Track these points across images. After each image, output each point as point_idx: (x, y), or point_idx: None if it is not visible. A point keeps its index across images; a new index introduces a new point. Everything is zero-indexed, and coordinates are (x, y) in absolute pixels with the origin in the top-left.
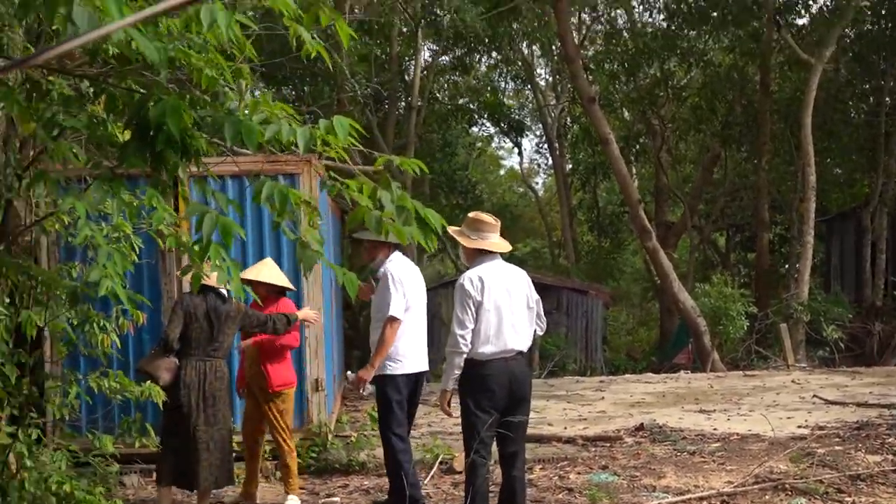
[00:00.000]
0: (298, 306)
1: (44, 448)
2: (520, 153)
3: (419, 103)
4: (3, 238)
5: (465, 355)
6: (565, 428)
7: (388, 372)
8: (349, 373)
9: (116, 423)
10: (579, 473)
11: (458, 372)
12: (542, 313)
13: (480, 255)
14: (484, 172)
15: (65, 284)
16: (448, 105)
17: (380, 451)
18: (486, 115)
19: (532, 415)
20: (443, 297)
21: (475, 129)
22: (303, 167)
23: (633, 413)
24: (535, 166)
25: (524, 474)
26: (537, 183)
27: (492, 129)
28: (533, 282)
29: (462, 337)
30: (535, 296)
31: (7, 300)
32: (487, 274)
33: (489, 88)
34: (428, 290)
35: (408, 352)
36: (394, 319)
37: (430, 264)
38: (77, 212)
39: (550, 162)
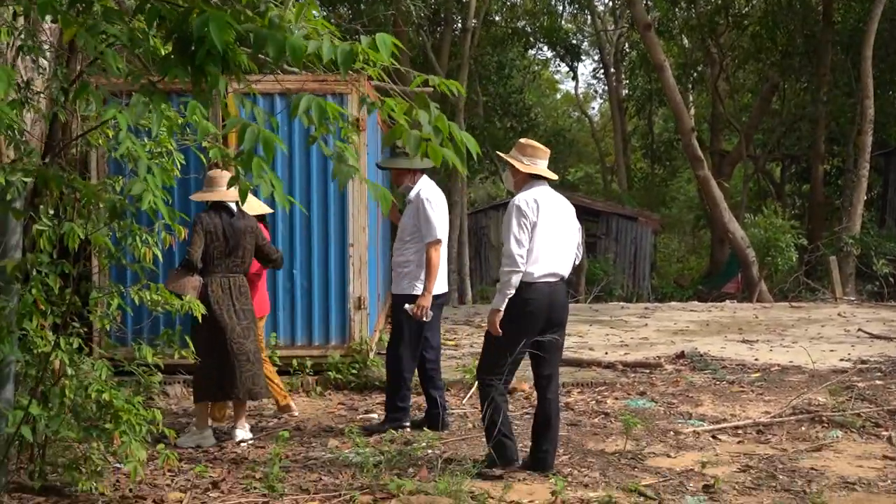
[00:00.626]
0: (345, 227)
1: (85, 357)
2: (575, 78)
3: (474, 24)
4: (49, 151)
5: (521, 274)
6: (606, 353)
7: (416, 292)
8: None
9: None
10: (616, 399)
11: (512, 291)
12: (582, 243)
13: (531, 180)
14: (539, 96)
15: (106, 198)
16: (504, 27)
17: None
18: (542, 39)
19: (574, 339)
20: (493, 219)
21: (531, 52)
22: (351, 87)
23: (675, 341)
24: (592, 92)
25: (558, 397)
26: (592, 108)
27: (548, 54)
28: (584, 207)
29: (521, 256)
30: (578, 225)
31: (51, 212)
32: (541, 198)
33: (546, 12)
34: (477, 211)
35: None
36: (438, 241)
37: (482, 186)
38: (119, 125)
39: (606, 88)
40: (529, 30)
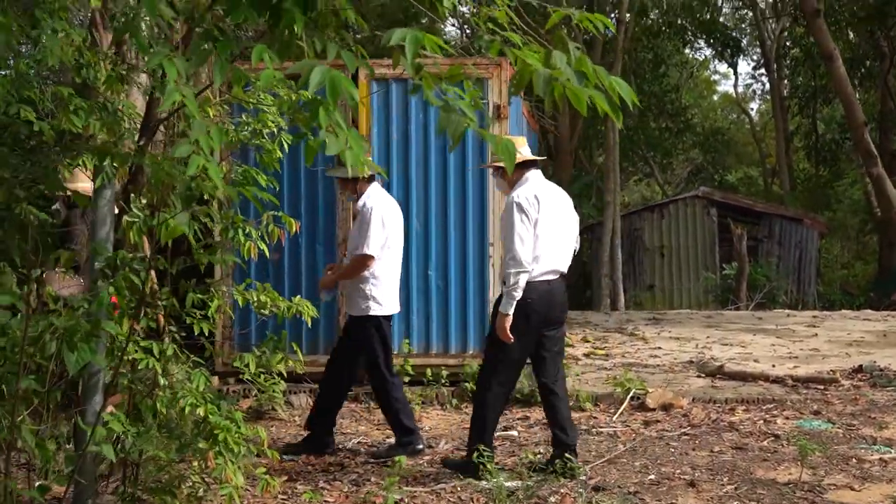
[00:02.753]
0: (484, 224)
1: (181, 365)
2: (735, 73)
3: (627, 18)
4: (144, 132)
5: (528, 275)
6: (773, 366)
7: (374, 313)
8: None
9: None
10: (787, 418)
11: (520, 293)
12: (577, 234)
13: (523, 173)
14: (696, 97)
15: (178, 177)
16: (659, 21)
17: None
18: (700, 35)
19: (736, 349)
20: (647, 221)
21: (688, 51)
22: (493, 71)
23: (849, 353)
24: (751, 92)
25: (566, 393)
26: (751, 109)
27: (706, 52)
28: (744, 208)
29: (526, 255)
30: (576, 215)
31: (143, 201)
32: (540, 191)
33: (705, 8)
34: (631, 213)
35: (388, 292)
36: (366, 258)
37: (636, 188)
38: (167, 74)
39: (766, 86)
40: (686, 25)
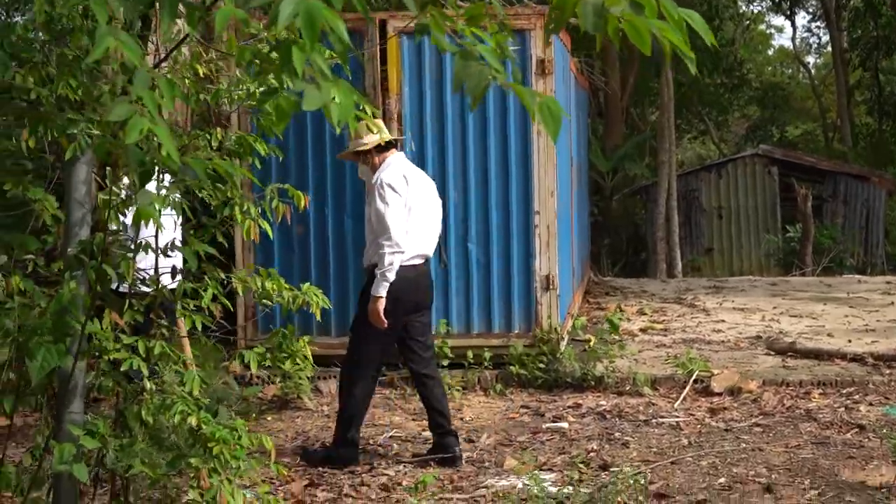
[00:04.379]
0: (529, 190)
1: (171, 365)
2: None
3: None
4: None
5: (403, 256)
6: (849, 341)
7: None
8: None
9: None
10: (871, 405)
11: (393, 276)
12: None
13: (385, 155)
14: (752, 52)
15: (130, 150)
16: None
17: (620, 363)
18: None
19: (808, 322)
20: (704, 181)
21: (742, 4)
22: (535, 21)
23: None
24: (808, 45)
25: (438, 373)
26: (808, 62)
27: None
28: (807, 166)
29: (402, 236)
30: (439, 199)
31: (125, 178)
32: (408, 173)
33: None
34: (687, 173)
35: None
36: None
37: (691, 146)
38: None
39: (823, 39)
40: None
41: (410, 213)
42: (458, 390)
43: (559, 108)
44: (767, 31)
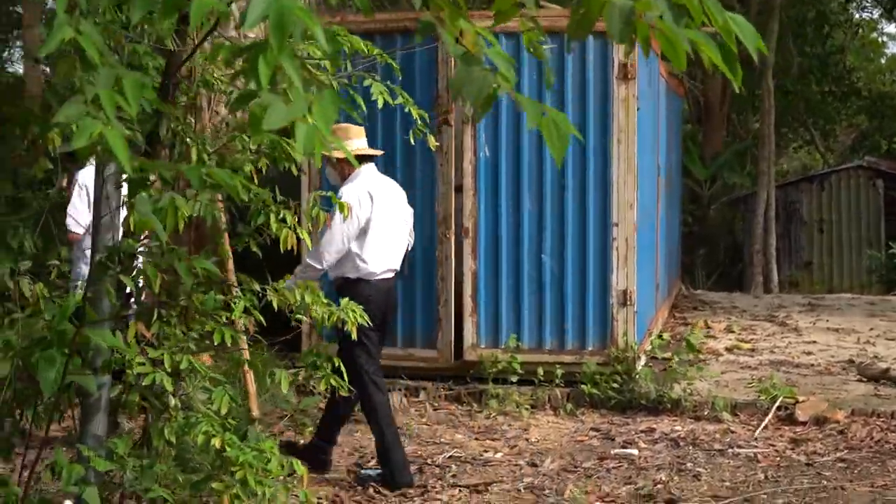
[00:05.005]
0: (607, 201)
1: (200, 380)
2: None
3: None
4: (163, 90)
5: (320, 273)
6: None
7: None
8: None
9: None
10: None
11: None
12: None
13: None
14: (863, 60)
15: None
16: None
17: (700, 386)
18: None
19: None
20: (805, 193)
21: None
22: None
23: None
24: None
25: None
26: None
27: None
28: None
29: (329, 254)
30: (410, 209)
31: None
32: (373, 187)
33: None
34: (787, 184)
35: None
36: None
37: (796, 156)
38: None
39: None
40: None
41: (375, 229)
42: (526, 409)
43: (567, 127)
44: (880, 40)
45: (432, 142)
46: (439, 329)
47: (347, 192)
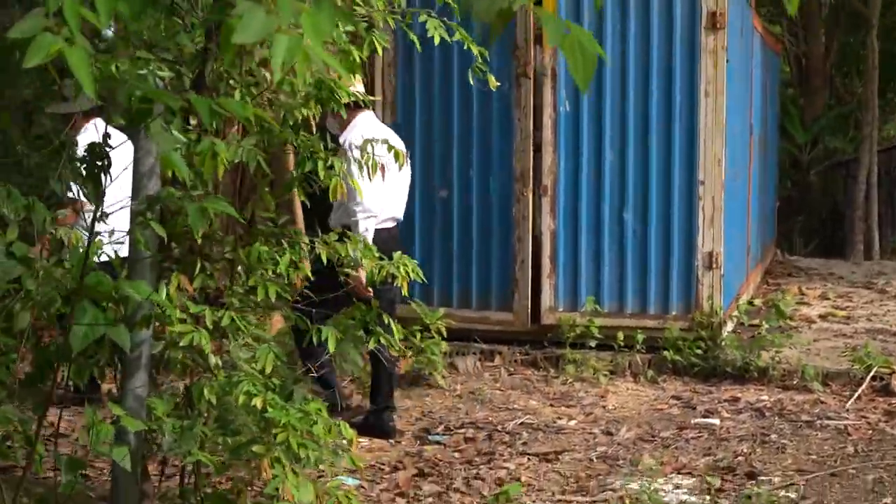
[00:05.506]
0: (693, 157)
1: (240, 339)
2: None
3: None
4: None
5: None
6: None
7: None
8: None
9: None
10: None
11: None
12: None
13: (354, 114)
14: None
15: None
16: None
17: (789, 353)
18: None
19: None
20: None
21: None
22: None
23: None
24: None
25: None
26: None
27: None
28: None
29: (373, 201)
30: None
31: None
32: (375, 135)
33: None
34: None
35: None
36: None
37: None
38: None
39: None
40: None
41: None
42: (604, 375)
43: (594, 46)
44: None
45: (493, 82)
46: (515, 291)
47: (351, 138)
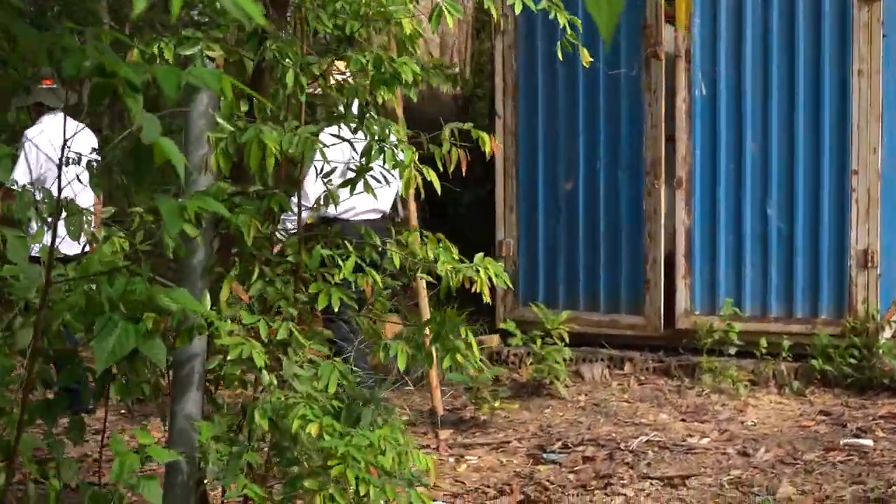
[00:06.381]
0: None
1: (300, 354)
2: None
3: None
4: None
5: None
6: None
7: None
8: None
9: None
10: None
11: None
12: None
13: None
14: None
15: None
16: None
17: None
18: None
19: None
20: None
21: None
22: None
23: None
24: None
25: None
26: None
27: None
28: None
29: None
30: None
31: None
32: None
33: None
34: None
35: None
36: None
37: None
38: None
39: None
40: None
41: None
42: (744, 386)
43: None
44: None
45: (586, 56)
46: (647, 292)
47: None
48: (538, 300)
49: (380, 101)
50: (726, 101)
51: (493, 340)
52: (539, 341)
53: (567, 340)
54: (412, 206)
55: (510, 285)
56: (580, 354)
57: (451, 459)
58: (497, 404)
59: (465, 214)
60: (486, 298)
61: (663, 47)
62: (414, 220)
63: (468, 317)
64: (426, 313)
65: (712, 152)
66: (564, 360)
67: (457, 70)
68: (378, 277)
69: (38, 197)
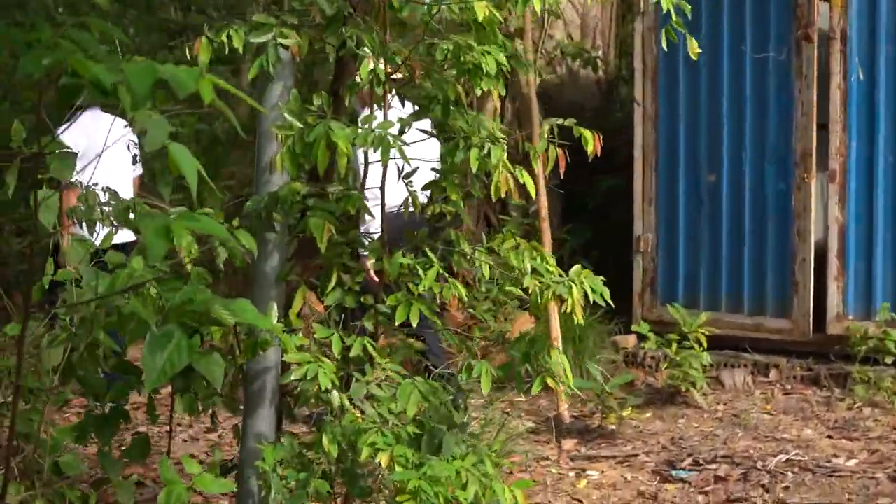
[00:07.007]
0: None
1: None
2: None
3: None
4: None
5: None
6: None
7: None
8: None
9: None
10: None
11: None
12: None
13: None
14: None
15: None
16: None
17: None
18: None
19: None
20: None
21: None
22: None
23: None
24: None
25: None
26: None
27: None
28: None
29: None
30: None
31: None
32: None
33: None
34: None
35: None
36: None
37: None
38: None
39: None
40: None
41: None
42: None
43: None
44: None
45: (693, 47)
46: (795, 294)
47: None
48: (677, 299)
49: (478, 92)
50: (885, 86)
51: (630, 341)
52: (675, 345)
53: (705, 345)
54: (542, 199)
55: (610, 303)
56: (721, 359)
57: (572, 474)
58: (626, 413)
59: (603, 205)
60: (579, 319)
61: (816, 28)
62: (544, 212)
63: (604, 315)
64: (554, 316)
65: (869, 143)
66: (703, 365)
67: (600, 53)
68: (463, 291)
69: (104, 198)
